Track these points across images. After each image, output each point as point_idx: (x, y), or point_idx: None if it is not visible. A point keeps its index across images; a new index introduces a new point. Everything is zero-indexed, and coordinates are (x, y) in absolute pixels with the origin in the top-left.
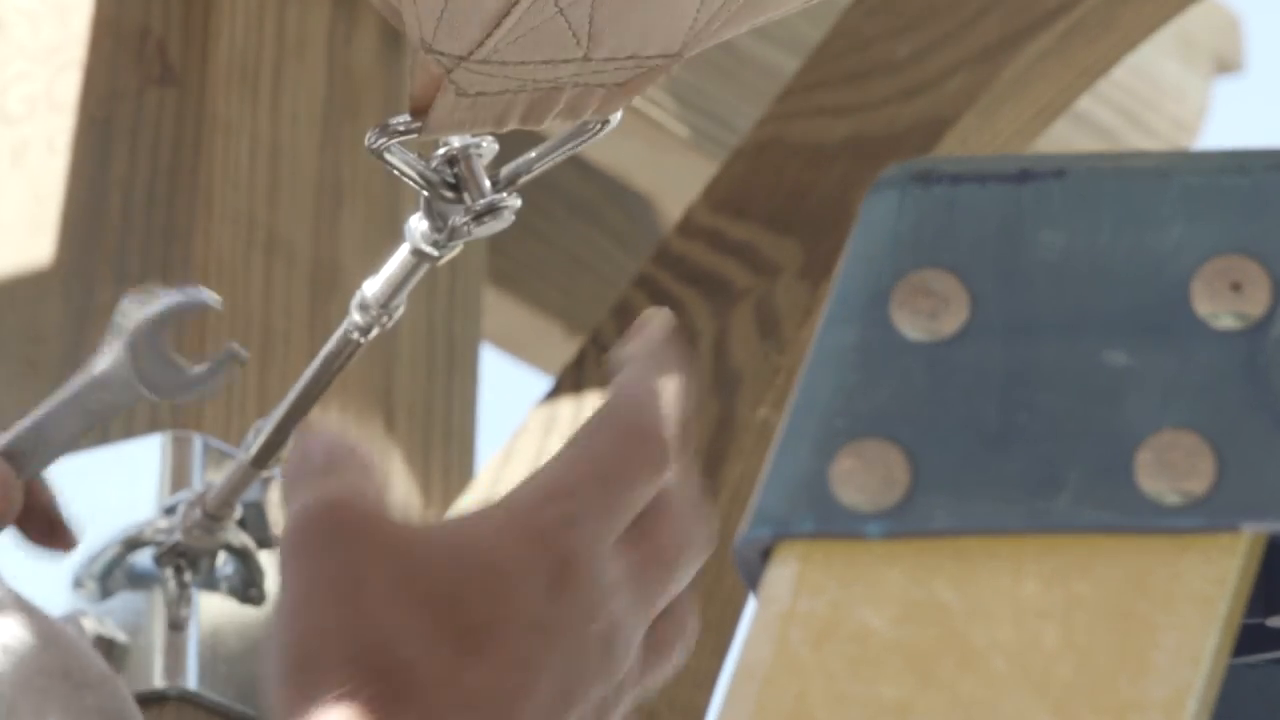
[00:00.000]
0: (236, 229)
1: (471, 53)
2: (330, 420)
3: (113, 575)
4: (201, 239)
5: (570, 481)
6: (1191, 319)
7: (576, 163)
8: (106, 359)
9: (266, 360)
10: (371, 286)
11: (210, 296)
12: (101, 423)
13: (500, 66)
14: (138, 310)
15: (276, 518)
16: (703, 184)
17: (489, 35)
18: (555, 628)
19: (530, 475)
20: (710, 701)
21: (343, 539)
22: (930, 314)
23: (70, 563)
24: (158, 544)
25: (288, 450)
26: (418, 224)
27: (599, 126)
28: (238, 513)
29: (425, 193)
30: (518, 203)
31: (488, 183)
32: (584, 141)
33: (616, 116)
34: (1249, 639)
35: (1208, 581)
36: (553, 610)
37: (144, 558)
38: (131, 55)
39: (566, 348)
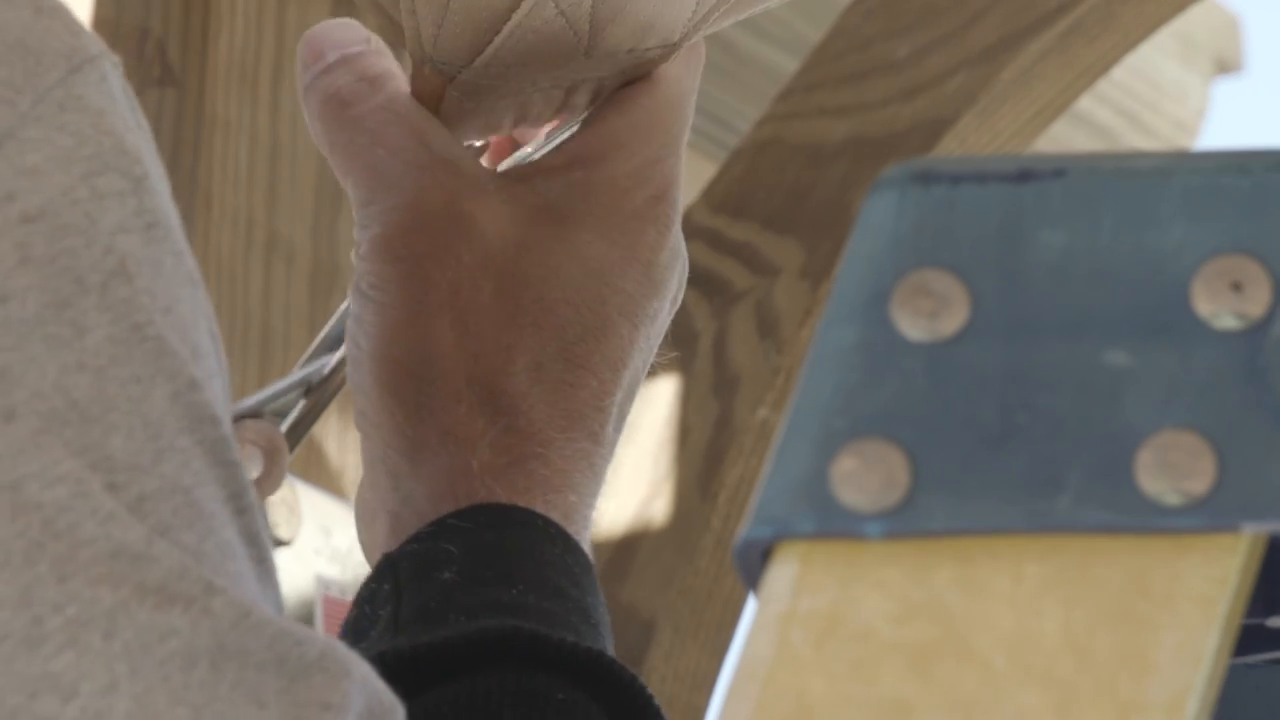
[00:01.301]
0: (236, 229)
1: (473, 60)
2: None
3: None
4: (201, 239)
5: (650, 154)
6: (1192, 319)
7: None
8: None
9: (266, 359)
10: None
11: None
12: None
13: (502, 71)
14: None
15: (275, 519)
16: (702, 184)
17: (489, 42)
18: (646, 312)
19: (607, 149)
20: (710, 702)
21: (449, 248)
22: (930, 314)
23: None
24: None
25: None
26: None
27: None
28: None
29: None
30: None
31: None
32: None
33: None
34: (1249, 639)
35: (1208, 581)
36: (643, 296)
37: None
38: (131, 55)
39: None
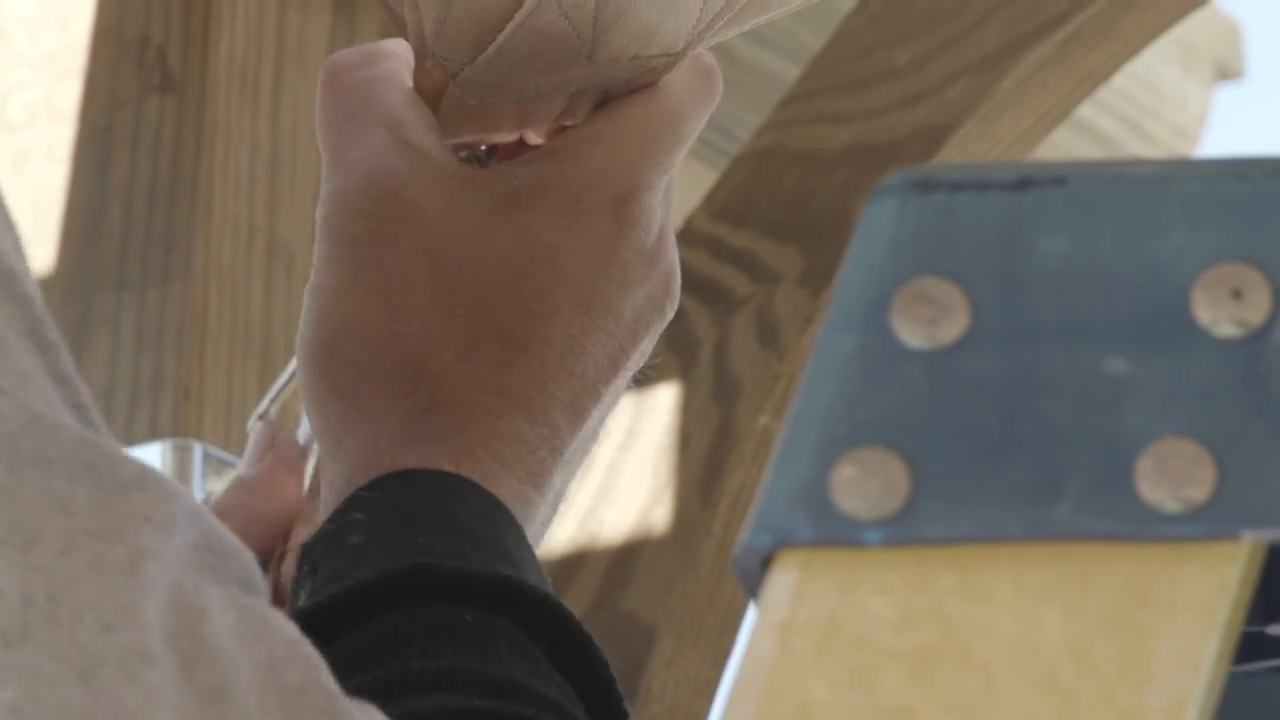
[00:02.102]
0: (237, 236)
1: (475, 58)
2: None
3: None
4: (202, 246)
5: (626, 157)
6: (1192, 326)
7: None
8: None
9: (267, 366)
10: None
11: None
12: None
13: (504, 72)
14: None
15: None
16: (703, 191)
17: (492, 40)
18: (605, 306)
19: (583, 144)
20: (709, 710)
21: (388, 233)
22: (930, 321)
23: None
24: None
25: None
26: None
27: None
28: None
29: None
30: None
31: None
32: None
33: None
34: (1250, 647)
35: (1208, 589)
36: (599, 289)
37: None
38: (132, 63)
39: None
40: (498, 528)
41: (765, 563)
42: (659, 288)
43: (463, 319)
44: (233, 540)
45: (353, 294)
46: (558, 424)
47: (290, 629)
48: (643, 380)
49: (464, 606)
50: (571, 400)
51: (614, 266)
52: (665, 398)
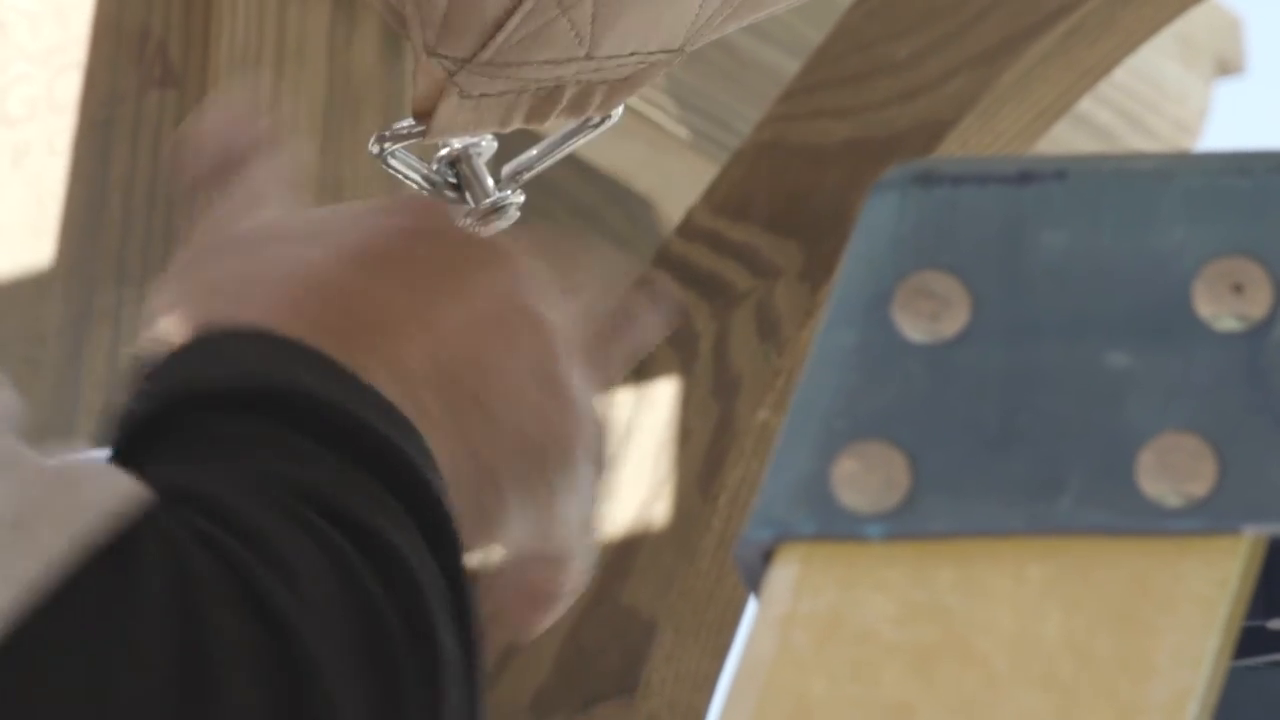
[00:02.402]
0: None
1: (474, 55)
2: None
3: None
4: None
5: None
6: (1193, 321)
7: (577, 165)
8: None
9: None
10: None
11: None
12: None
13: (503, 68)
14: None
15: None
16: (703, 186)
17: (491, 38)
18: (427, 240)
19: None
20: (710, 705)
21: (214, 253)
22: (931, 316)
23: None
24: None
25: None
26: None
27: (600, 122)
28: None
29: (428, 194)
30: (521, 199)
31: (491, 181)
32: (585, 137)
33: (617, 112)
34: (1250, 641)
35: (1209, 584)
36: (421, 239)
37: None
38: (132, 57)
39: None
40: (266, 354)
41: (766, 557)
42: (504, 280)
43: (271, 255)
44: None
45: (180, 302)
46: (392, 322)
47: None
48: (641, 373)
49: (214, 414)
50: (412, 308)
51: (432, 224)
52: (665, 392)
